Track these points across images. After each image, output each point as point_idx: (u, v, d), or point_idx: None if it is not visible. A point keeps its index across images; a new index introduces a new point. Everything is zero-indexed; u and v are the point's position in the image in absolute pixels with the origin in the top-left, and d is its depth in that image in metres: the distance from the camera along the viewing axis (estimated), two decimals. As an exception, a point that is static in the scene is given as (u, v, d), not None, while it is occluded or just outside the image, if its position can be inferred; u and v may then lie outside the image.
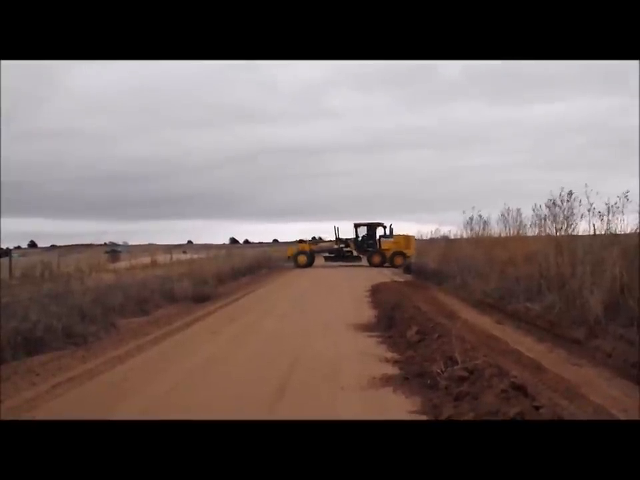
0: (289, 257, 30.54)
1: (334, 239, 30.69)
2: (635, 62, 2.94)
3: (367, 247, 29.52)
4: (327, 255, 30.47)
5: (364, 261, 29.21)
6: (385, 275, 20.77)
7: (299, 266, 28.58)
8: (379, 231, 29.70)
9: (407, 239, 28.30)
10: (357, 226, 30.15)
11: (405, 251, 27.16)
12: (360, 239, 29.88)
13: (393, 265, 26.86)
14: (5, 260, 16.52)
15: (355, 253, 30.02)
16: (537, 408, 3.72)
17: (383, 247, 28.86)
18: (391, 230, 29.34)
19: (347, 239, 30.20)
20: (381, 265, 27.83)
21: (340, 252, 30.04)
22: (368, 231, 29.87)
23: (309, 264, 29.09)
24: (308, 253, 29.67)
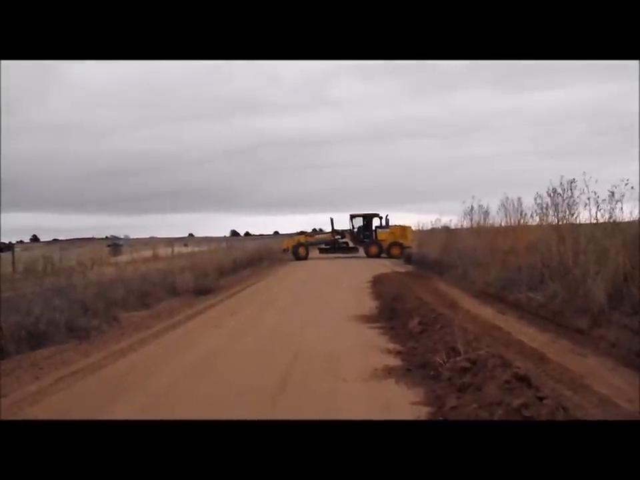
0: (284, 249, 30.23)
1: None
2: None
3: (363, 237, 29.49)
4: (322, 246, 30.39)
5: (361, 252, 29.17)
6: (385, 266, 20.75)
7: (298, 258, 28.56)
8: (375, 222, 29.65)
9: (404, 229, 28.32)
10: (352, 217, 30.06)
11: (402, 241, 27.23)
12: (356, 230, 29.83)
13: (389, 256, 26.91)
14: (8, 254, 16.52)
15: (351, 244, 30.00)
16: (541, 399, 3.69)
17: (379, 238, 28.82)
18: (387, 220, 29.33)
19: (342, 230, 30.16)
20: (377, 255, 27.87)
21: (336, 243, 30.00)
22: (364, 221, 29.82)
23: (305, 256, 29.06)
24: (304, 245, 29.63)
